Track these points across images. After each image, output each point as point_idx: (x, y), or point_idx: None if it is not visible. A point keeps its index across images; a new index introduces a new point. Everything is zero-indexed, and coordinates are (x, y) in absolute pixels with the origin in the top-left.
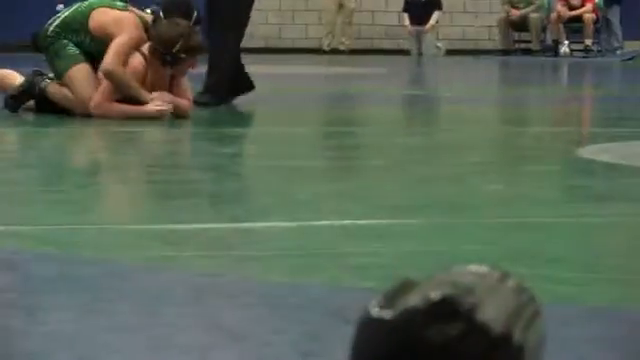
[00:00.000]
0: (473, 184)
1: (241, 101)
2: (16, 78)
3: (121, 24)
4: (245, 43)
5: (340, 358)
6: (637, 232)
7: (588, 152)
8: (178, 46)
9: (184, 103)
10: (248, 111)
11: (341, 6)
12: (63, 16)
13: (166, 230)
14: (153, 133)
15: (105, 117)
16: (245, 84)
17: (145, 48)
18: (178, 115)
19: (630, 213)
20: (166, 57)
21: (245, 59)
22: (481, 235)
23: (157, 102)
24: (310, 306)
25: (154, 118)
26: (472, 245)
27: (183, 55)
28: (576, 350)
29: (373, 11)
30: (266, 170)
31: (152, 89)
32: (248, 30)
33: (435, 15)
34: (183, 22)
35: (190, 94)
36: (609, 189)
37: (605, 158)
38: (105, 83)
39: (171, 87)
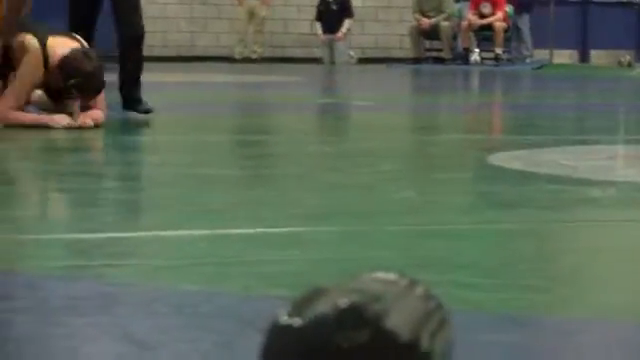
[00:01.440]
0: (384, 191)
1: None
2: None
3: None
4: (157, 51)
5: None
6: (545, 239)
7: (498, 159)
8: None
9: (96, 113)
10: (160, 119)
11: (252, 14)
12: None
13: (75, 239)
14: (64, 141)
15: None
16: None
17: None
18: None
19: (539, 220)
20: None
21: (157, 67)
22: (391, 242)
23: (65, 119)
24: (222, 315)
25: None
26: (382, 252)
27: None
28: (485, 357)
29: (285, 19)
30: (178, 178)
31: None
32: (160, 38)
33: (346, 23)
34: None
35: (104, 103)
36: (519, 196)
37: (515, 165)
38: (8, 91)
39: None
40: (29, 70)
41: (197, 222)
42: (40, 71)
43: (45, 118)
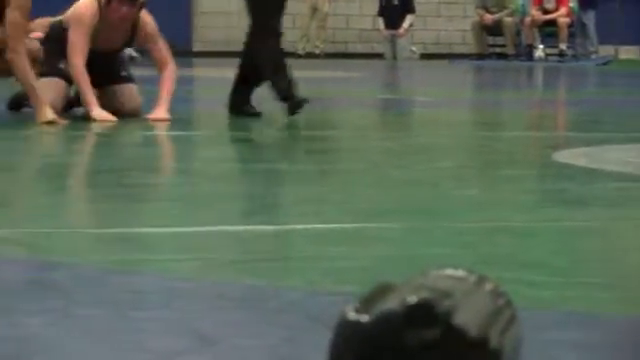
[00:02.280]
0: (448, 188)
1: (216, 105)
2: None
3: None
4: (221, 47)
5: None
6: (612, 236)
7: (563, 156)
8: None
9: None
10: (222, 115)
11: (315, 10)
12: None
13: (142, 234)
14: (128, 136)
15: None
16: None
17: None
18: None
19: (606, 217)
20: None
21: (220, 63)
22: (456, 239)
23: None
24: (288, 310)
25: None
26: (448, 249)
27: None
28: (553, 354)
29: (347, 15)
30: (242, 173)
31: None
32: (224, 35)
33: (408, 19)
34: None
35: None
36: (585, 194)
37: (581, 162)
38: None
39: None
40: None
41: (263, 217)
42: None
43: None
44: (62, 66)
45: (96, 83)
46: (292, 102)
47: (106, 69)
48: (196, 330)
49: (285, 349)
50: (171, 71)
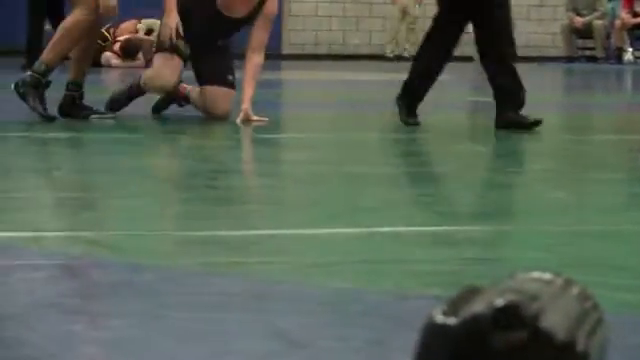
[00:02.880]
0: (537, 191)
1: (304, 107)
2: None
3: None
4: (309, 49)
5: None
6: None
7: None
8: None
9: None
10: (311, 117)
11: (405, 13)
12: None
13: (228, 236)
14: (213, 139)
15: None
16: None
17: None
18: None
19: None
20: None
21: (308, 65)
22: (544, 242)
23: None
24: (374, 313)
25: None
26: (535, 252)
27: None
28: (638, 359)
29: None
30: (329, 176)
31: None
32: (312, 36)
33: None
34: None
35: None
36: None
37: None
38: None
39: None
40: None
41: (348, 220)
42: None
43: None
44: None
45: (201, 80)
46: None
47: (218, 55)
48: (282, 333)
49: (371, 352)
50: (257, 65)
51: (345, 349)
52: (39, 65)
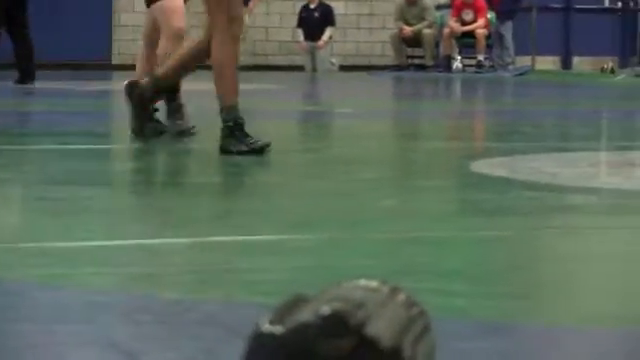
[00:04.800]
0: (367, 199)
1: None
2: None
3: None
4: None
5: None
6: (527, 246)
7: (481, 166)
8: None
9: None
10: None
11: None
12: None
13: (60, 248)
14: (49, 152)
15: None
16: None
17: None
18: None
19: (522, 227)
20: None
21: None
22: (374, 250)
23: None
24: (205, 322)
25: None
26: (365, 260)
27: None
28: None
29: (267, 27)
30: (163, 186)
31: None
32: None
33: (328, 31)
34: None
35: None
36: (502, 203)
37: (498, 172)
38: None
39: None
40: None
41: (178, 230)
42: None
43: None
44: None
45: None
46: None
47: None
48: (116, 344)
49: None
50: None
51: (179, 359)
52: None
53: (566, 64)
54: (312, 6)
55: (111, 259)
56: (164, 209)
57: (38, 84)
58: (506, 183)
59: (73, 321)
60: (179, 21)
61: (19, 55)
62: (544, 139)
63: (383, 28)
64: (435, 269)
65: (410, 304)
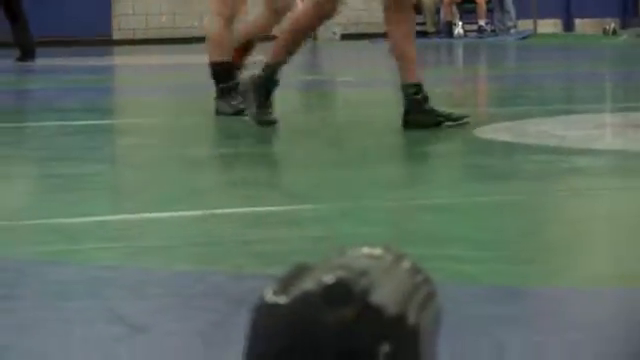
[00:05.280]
0: (372, 167)
1: (136, 92)
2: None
3: None
4: (140, 34)
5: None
6: (535, 210)
7: (486, 132)
8: None
9: None
10: (143, 102)
11: None
12: None
13: (64, 224)
14: (48, 127)
15: None
16: None
17: None
18: None
19: (528, 191)
20: None
21: (139, 50)
22: (382, 218)
23: None
24: (214, 294)
25: None
26: (372, 228)
27: None
28: (476, 329)
29: None
30: (164, 160)
31: None
32: (142, 20)
33: None
34: None
35: None
36: (507, 168)
37: (503, 137)
38: None
39: None
40: None
41: (187, 202)
42: None
43: None
44: None
45: None
46: None
47: None
48: (123, 317)
49: (212, 333)
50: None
51: (186, 331)
52: None
53: (568, 26)
54: None
55: (116, 234)
56: (170, 182)
57: (39, 61)
58: (510, 147)
59: (79, 297)
60: None
61: (16, 31)
62: (549, 102)
63: None
64: (441, 236)
65: (415, 271)
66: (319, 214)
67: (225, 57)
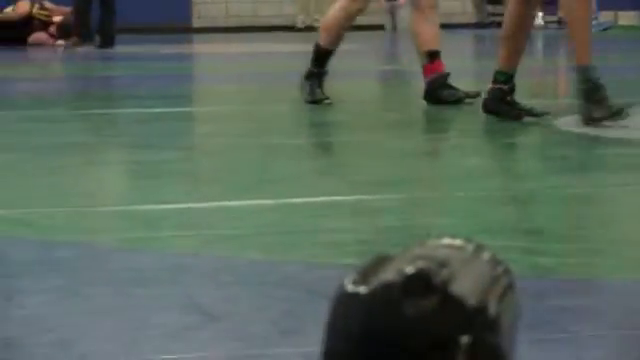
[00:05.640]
0: (450, 158)
1: (216, 80)
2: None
3: None
4: (220, 22)
5: (318, 335)
6: (615, 203)
7: (566, 123)
8: None
9: None
10: (223, 90)
11: None
12: None
13: (142, 211)
14: (127, 114)
15: None
16: None
17: None
18: None
19: (608, 184)
20: None
21: (219, 38)
22: (459, 208)
23: None
24: (288, 283)
25: None
26: (450, 219)
27: None
28: (553, 321)
29: None
30: (241, 148)
31: None
32: (222, 9)
33: None
34: None
35: None
36: (587, 160)
37: (582, 129)
38: None
39: None
40: None
41: (262, 191)
42: None
43: None
44: None
45: None
46: None
47: None
48: (198, 305)
49: (286, 322)
50: None
51: (260, 320)
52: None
53: None
54: None
55: (192, 222)
56: (245, 171)
57: (119, 48)
58: (591, 139)
59: (154, 284)
60: None
61: (102, 20)
62: (628, 95)
63: None
64: (520, 227)
65: (494, 262)
66: (393, 204)
67: (331, 46)
